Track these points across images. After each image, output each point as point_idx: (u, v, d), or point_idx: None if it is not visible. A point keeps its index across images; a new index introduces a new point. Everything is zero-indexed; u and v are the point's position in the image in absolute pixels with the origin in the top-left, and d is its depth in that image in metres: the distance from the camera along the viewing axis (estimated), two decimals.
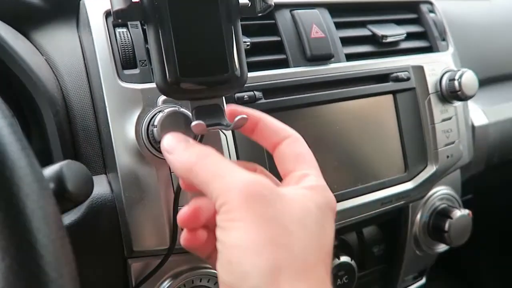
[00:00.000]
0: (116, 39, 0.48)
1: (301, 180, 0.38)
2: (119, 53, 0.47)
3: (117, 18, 0.38)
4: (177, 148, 0.38)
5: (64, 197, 0.36)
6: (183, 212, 0.39)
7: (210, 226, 0.40)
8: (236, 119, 0.39)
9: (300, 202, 0.35)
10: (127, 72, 0.47)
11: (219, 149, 0.49)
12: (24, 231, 0.23)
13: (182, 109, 0.43)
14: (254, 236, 0.32)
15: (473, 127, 0.74)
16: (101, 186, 0.48)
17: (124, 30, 0.49)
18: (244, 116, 0.39)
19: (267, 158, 0.52)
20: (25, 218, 0.23)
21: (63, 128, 0.49)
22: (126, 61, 0.48)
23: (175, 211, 0.45)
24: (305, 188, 0.37)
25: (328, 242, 0.36)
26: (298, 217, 0.34)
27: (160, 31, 0.38)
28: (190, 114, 0.41)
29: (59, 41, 0.53)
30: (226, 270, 0.33)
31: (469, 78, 0.64)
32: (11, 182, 0.23)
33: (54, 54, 0.52)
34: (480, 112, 0.77)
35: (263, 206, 0.33)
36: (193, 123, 0.38)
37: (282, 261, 0.32)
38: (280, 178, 0.41)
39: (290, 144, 0.40)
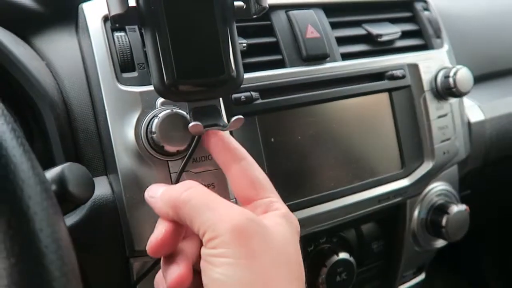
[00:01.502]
0: (114, 43, 0.49)
1: (269, 208, 0.38)
2: (117, 56, 0.48)
3: (114, 23, 0.39)
4: (159, 190, 0.38)
5: (65, 198, 0.37)
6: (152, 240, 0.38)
7: (196, 267, 0.38)
8: (233, 119, 0.40)
9: (280, 233, 0.36)
10: (125, 75, 0.48)
11: None
12: (28, 231, 0.24)
13: (179, 111, 0.44)
14: (241, 274, 0.32)
15: (469, 123, 0.74)
16: (102, 187, 0.48)
17: (122, 34, 0.49)
18: (241, 116, 0.40)
19: (265, 156, 0.53)
20: (28, 219, 0.24)
21: (64, 131, 0.50)
22: (124, 64, 0.48)
23: None
24: (278, 217, 0.37)
25: (302, 265, 0.37)
26: (282, 251, 0.35)
27: (157, 35, 0.39)
28: (188, 116, 0.42)
29: (58, 46, 0.54)
30: None
31: (463, 75, 0.65)
32: (14, 185, 0.24)
33: (54, 59, 0.53)
34: (476, 108, 0.77)
35: (254, 244, 0.33)
36: (191, 124, 0.38)
37: None
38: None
39: (246, 168, 0.40)
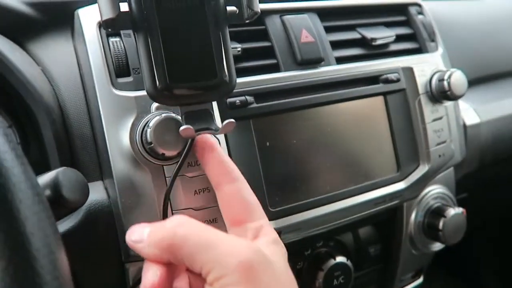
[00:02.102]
0: (109, 48, 0.49)
1: (260, 232, 0.38)
2: (112, 61, 0.48)
3: (106, 27, 0.39)
4: (144, 232, 0.36)
5: (60, 203, 0.37)
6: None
7: None
8: (224, 123, 0.40)
9: (278, 261, 0.36)
10: (120, 80, 0.48)
11: None
12: (19, 235, 0.24)
13: (172, 114, 0.44)
14: None
15: (465, 126, 0.75)
16: (98, 192, 0.49)
17: (117, 39, 0.50)
18: (232, 120, 0.40)
19: (260, 160, 0.53)
20: (19, 223, 0.24)
21: (60, 137, 0.50)
22: (119, 69, 0.49)
23: (165, 214, 0.46)
24: (272, 243, 0.38)
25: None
26: (284, 279, 0.35)
27: (149, 39, 0.39)
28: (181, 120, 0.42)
29: (54, 52, 0.54)
30: None
31: (458, 78, 0.65)
32: (6, 189, 0.24)
33: (50, 65, 0.53)
34: (472, 111, 0.78)
35: (262, 278, 0.33)
36: (182, 128, 0.39)
37: None
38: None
39: (239, 189, 0.40)
